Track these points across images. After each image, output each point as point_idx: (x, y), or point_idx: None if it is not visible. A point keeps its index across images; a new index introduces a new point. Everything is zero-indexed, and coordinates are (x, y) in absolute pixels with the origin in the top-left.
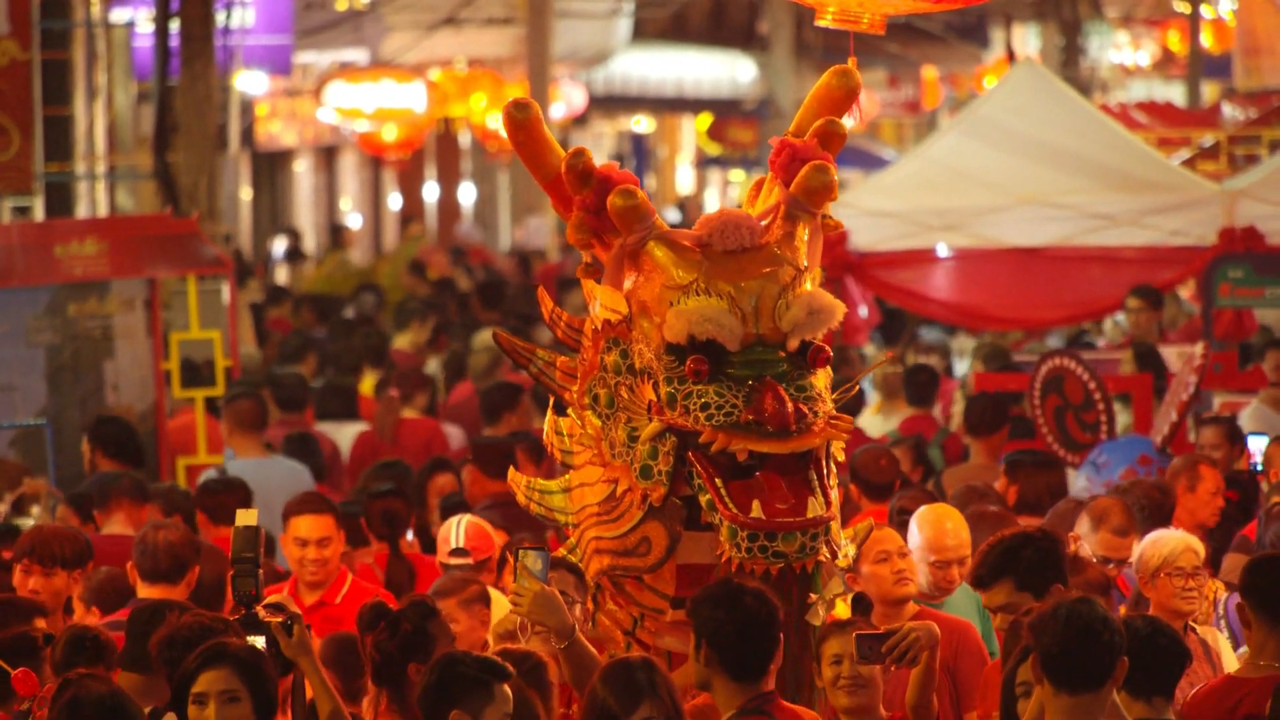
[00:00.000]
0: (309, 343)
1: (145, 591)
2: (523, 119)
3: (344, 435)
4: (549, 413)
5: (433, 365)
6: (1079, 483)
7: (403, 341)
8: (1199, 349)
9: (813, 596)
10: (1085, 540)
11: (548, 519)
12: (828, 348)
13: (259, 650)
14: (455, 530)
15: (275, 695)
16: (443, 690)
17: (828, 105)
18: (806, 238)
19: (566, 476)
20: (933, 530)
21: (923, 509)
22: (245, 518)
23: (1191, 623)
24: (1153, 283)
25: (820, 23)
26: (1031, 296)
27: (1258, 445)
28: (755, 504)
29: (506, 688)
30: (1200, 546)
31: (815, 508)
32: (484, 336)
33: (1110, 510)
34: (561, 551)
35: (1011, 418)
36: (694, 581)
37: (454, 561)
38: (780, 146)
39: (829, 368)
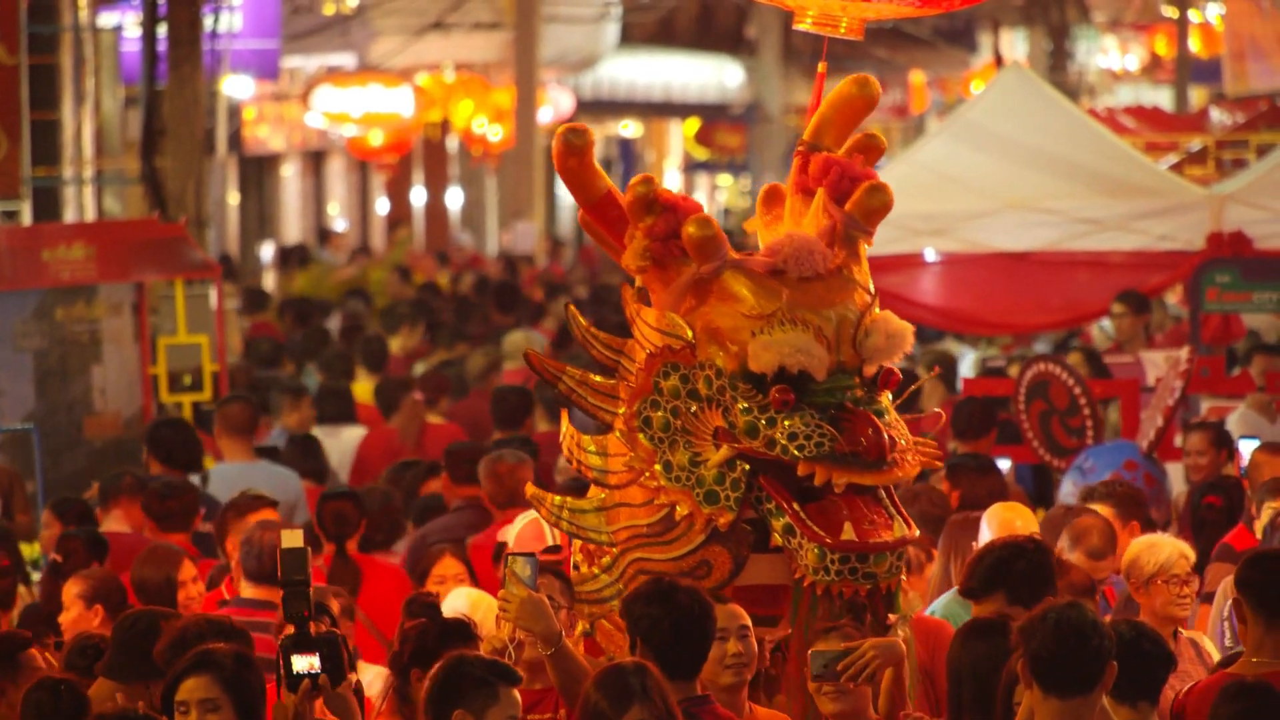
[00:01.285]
0: (281, 348)
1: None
2: (579, 145)
3: (340, 439)
4: (566, 426)
5: (420, 369)
6: (1065, 488)
7: (393, 346)
8: (1184, 353)
9: (892, 617)
10: (1064, 556)
11: (579, 538)
12: (897, 370)
13: (244, 658)
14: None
15: (257, 704)
16: (447, 690)
17: (846, 114)
18: (865, 255)
19: (601, 495)
20: (1002, 526)
21: (994, 506)
22: (291, 539)
23: (1180, 627)
24: (1140, 287)
25: (799, 26)
26: (1019, 301)
27: (1249, 450)
28: (847, 526)
29: (515, 692)
30: (1191, 552)
31: (900, 528)
32: (514, 338)
33: (1089, 531)
34: (595, 571)
35: (999, 422)
36: (751, 602)
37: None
38: (826, 164)
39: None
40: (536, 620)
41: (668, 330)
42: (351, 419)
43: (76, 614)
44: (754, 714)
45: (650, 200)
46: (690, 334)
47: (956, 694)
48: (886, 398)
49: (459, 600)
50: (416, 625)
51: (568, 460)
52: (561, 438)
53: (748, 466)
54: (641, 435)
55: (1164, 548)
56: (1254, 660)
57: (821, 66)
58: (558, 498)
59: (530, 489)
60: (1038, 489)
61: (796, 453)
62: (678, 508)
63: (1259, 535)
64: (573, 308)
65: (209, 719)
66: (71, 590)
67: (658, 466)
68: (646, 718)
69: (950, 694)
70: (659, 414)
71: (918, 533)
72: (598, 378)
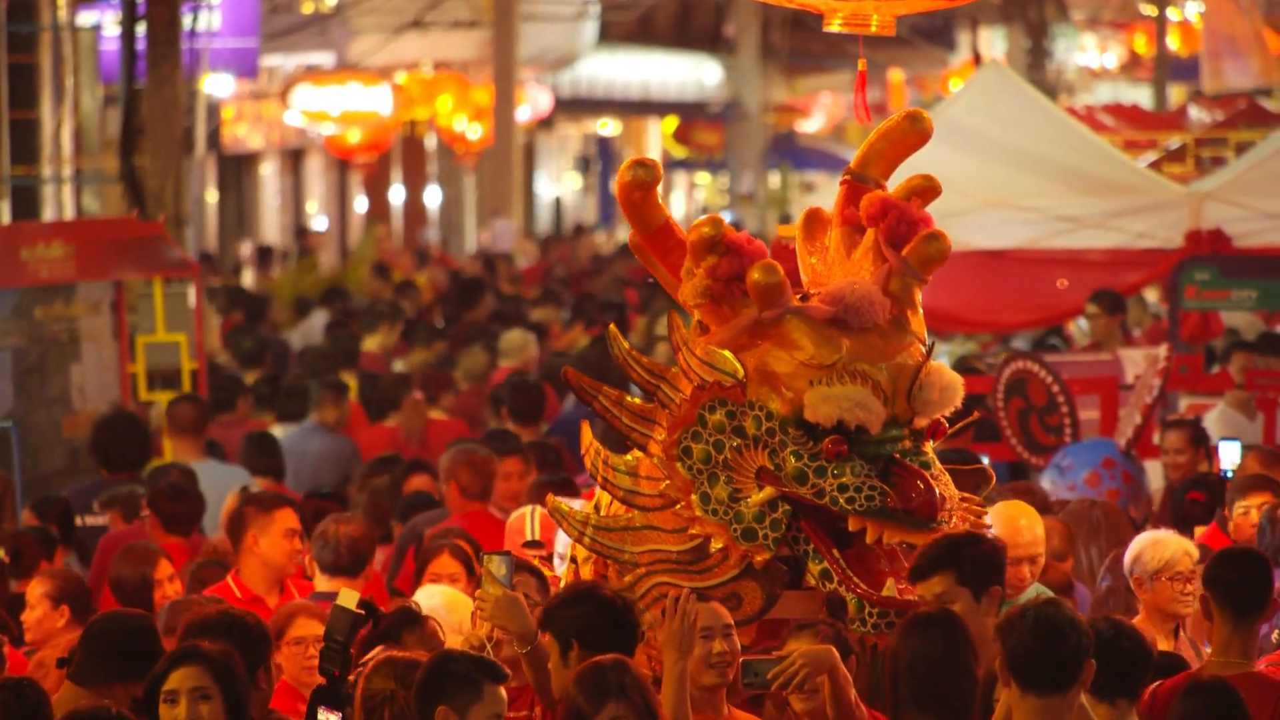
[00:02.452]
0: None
1: (325, 584)
2: (647, 179)
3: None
4: (589, 439)
5: (399, 367)
6: (1043, 486)
7: (371, 344)
8: (1163, 351)
9: None
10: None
11: (602, 555)
12: (945, 423)
13: (230, 654)
14: (530, 522)
15: (244, 697)
16: (431, 686)
17: (898, 148)
18: (919, 302)
19: (629, 515)
20: (1006, 526)
21: (997, 505)
22: (347, 599)
23: (1182, 626)
24: (1119, 285)
25: (829, 28)
26: (997, 299)
27: (1228, 451)
28: (889, 583)
29: (500, 689)
30: (1195, 549)
31: None
32: (511, 337)
33: (1050, 533)
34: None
35: (975, 420)
36: (771, 634)
37: (530, 554)
38: (884, 206)
39: None
40: (512, 619)
41: (719, 366)
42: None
43: (41, 613)
44: (732, 715)
45: (715, 241)
46: (742, 373)
47: (895, 688)
48: (931, 448)
49: (433, 598)
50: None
51: (591, 474)
52: (584, 451)
53: (789, 508)
54: (680, 465)
55: (1168, 545)
56: (1220, 660)
57: (861, 64)
58: (581, 513)
59: (551, 500)
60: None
61: (847, 506)
62: (713, 540)
63: (1231, 535)
64: (614, 328)
65: (200, 707)
66: (37, 590)
67: (695, 497)
68: (623, 714)
69: (890, 688)
70: (700, 446)
71: None
72: (635, 400)
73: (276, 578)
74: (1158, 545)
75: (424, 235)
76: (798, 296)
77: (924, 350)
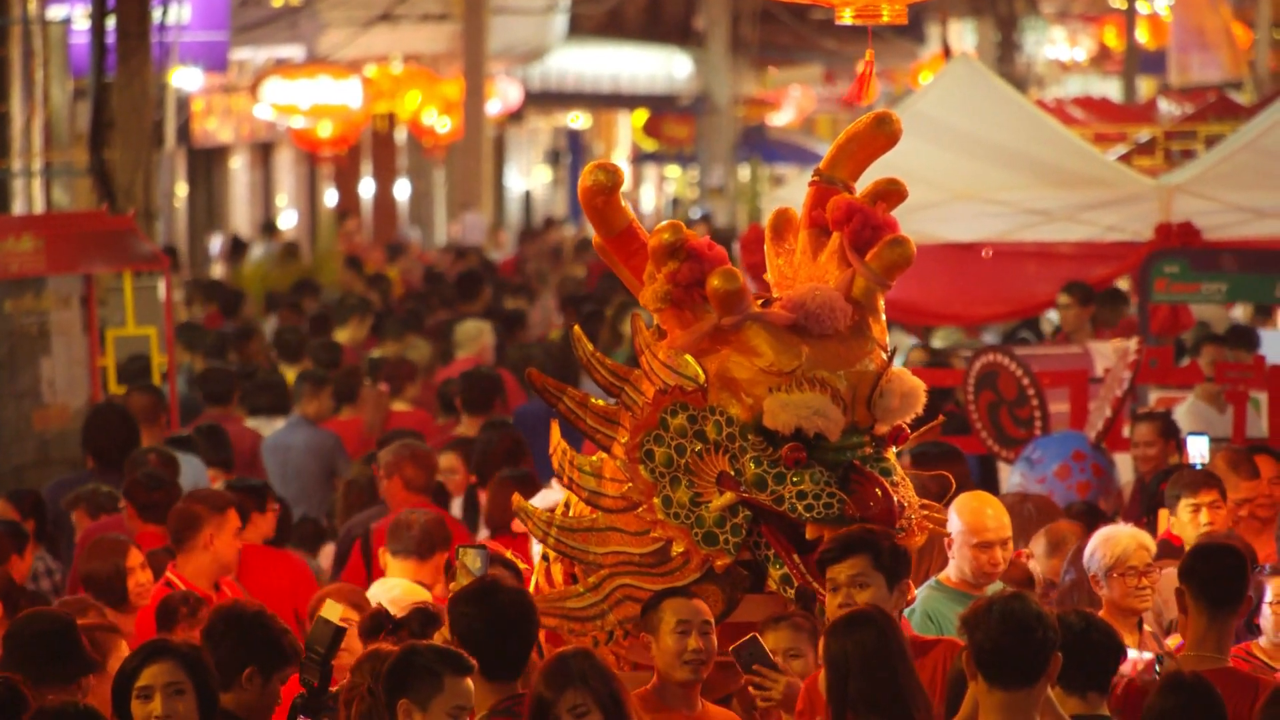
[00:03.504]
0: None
1: (396, 570)
2: (608, 184)
3: (271, 431)
4: (557, 438)
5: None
6: (1013, 479)
7: (342, 337)
8: (1133, 344)
9: None
10: (1037, 561)
11: (566, 555)
12: (907, 429)
13: (199, 649)
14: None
15: (215, 693)
16: (394, 680)
17: (866, 150)
18: (882, 308)
19: (593, 516)
20: (972, 515)
21: (961, 496)
22: (330, 611)
23: (1144, 620)
24: (1088, 278)
25: (841, 21)
26: (968, 292)
27: (1197, 445)
28: None
29: (466, 681)
30: (1151, 543)
31: None
32: (465, 328)
33: (1069, 537)
34: (580, 589)
35: (945, 413)
36: (732, 638)
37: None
38: (848, 210)
39: None
40: None
41: (681, 371)
42: (285, 411)
43: None
44: (706, 710)
45: (676, 247)
46: (704, 378)
47: (841, 688)
48: (893, 454)
49: (391, 590)
50: None
51: (558, 474)
52: (551, 450)
53: (749, 513)
54: (642, 467)
55: (1120, 540)
56: (1194, 654)
57: (869, 54)
58: (544, 513)
59: (517, 500)
60: (983, 479)
61: (805, 513)
62: (674, 544)
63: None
64: (578, 329)
65: (174, 702)
66: None
67: (657, 500)
68: (581, 702)
69: (833, 688)
70: (662, 449)
71: (917, 594)
72: (599, 401)
73: (219, 575)
74: (1110, 541)
75: (403, 232)
76: (760, 301)
77: (885, 357)
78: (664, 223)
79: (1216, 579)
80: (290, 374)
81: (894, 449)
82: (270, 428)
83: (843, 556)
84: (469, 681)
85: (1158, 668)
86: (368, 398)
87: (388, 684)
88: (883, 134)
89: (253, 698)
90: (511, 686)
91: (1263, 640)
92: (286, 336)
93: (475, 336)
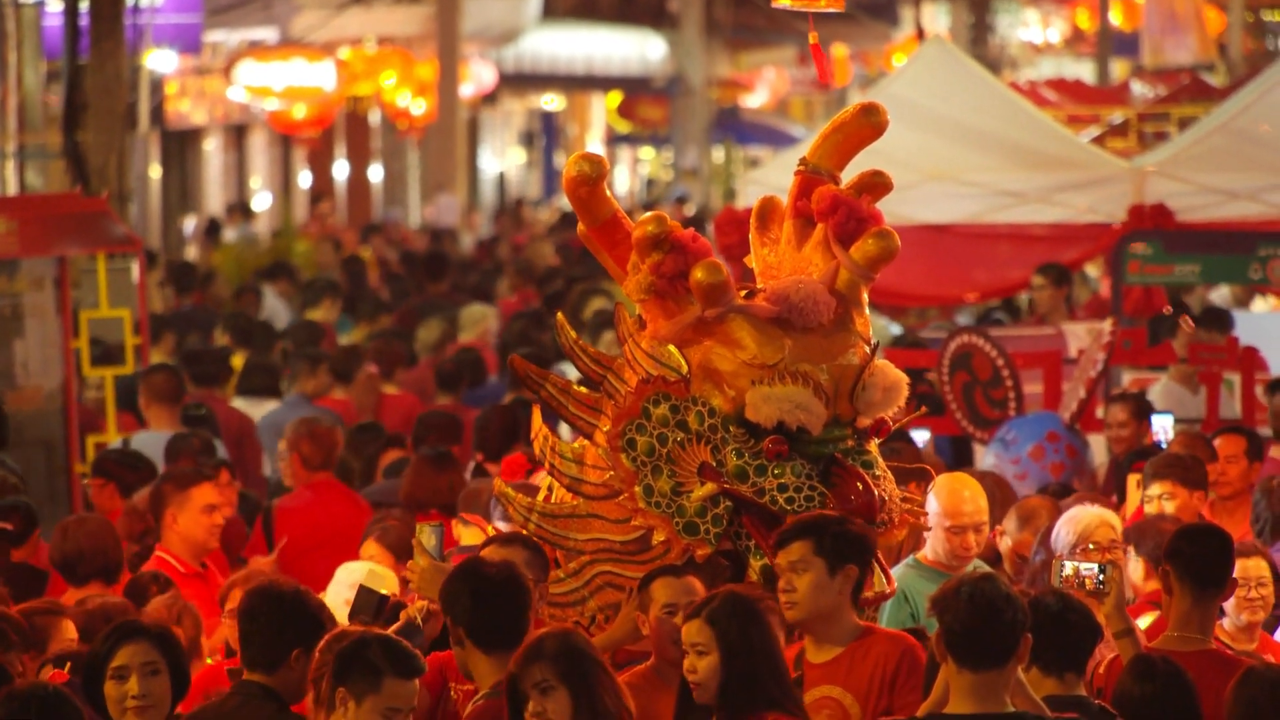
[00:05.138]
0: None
1: (469, 539)
2: (592, 174)
3: (262, 412)
4: (539, 424)
5: (344, 341)
6: (988, 459)
7: (313, 318)
8: (1108, 325)
9: None
10: (1008, 536)
11: (547, 541)
12: (889, 422)
13: (170, 629)
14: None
15: (188, 673)
16: (340, 665)
17: (852, 140)
18: (865, 301)
19: (574, 502)
20: (949, 496)
21: (940, 477)
22: (374, 580)
23: None
24: (1062, 260)
25: (779, 4)
26: (941, 274)
27: (1161, 423)
28: None
29: (409, 684)
30: (1117, 521)
31: (880, 583)
32: (471, 311)
33: (1038, 511)
34: (561, 575)
35: (920, 394)
36: None
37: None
38: (834, 201)
39: None
40: (439, 590)
41: (664, 361)
42: (275, 393)
43: None
44: None
45: (660, 238)
46: (686, 369)
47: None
48: (875, 447)
49: (353, 574)
50: None
51: (539, 459)
52: (533, 435)
53: (730, 504)
54: (624, 456)
55: (1084, 517)
56: (1177, 635)
57: (813, 37)
58: (525, 499)
59: (498, 484)
60: (956, 460)
61: (786, 506)
62: (655, 532)
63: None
64: (561, 317)
65: (149, 682)
66: None
67: (638, 489)
68: (546, 678)
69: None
70: (644, 438)
71: (896, 587)
72: (582, 389)
73: (197, 554)
74: (1073, 520)
75: (390, 213)
76: (743, 293)
77: (868, 350)
78: (648, 214)
79: (1202, 560)
80: (238, 360)
81: (876, 442)
82: (259, 408)
83: (788, 541)
84: (413, 684)
85: (1100, 577)
86: (359, 380)
87: (334, 667)
88: (869, 124)
89: (298, 676)
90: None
91: (1226, 622)
92: (238, 321)
93: (479, 320)
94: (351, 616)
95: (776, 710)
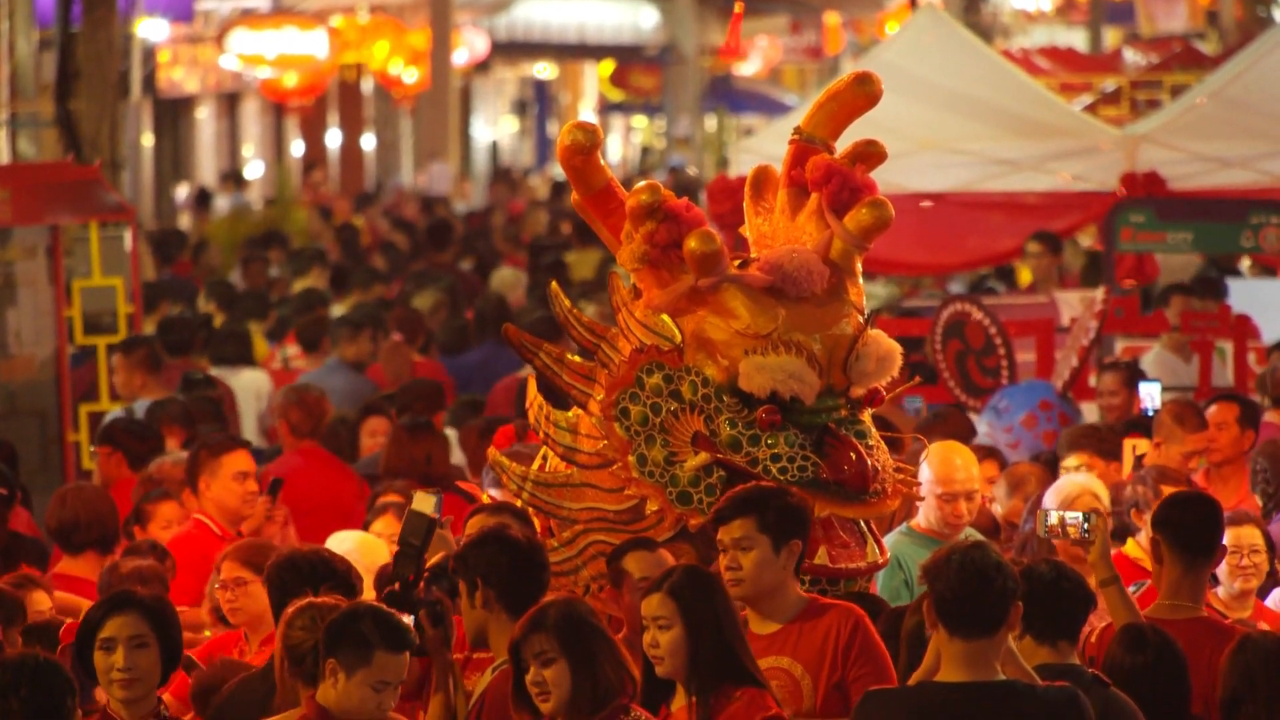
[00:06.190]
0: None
1: None
2: (587, 143)
3: (239, 381)
4: (534, 393)
5: (338, 311)
6: (980, 428)
7: (300, 287)
8: (1100, 294)
9: None
10: (999, 503)
11: (541, 510)
12: (883, 391)
13: (165, 600)
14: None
15: (179, 645)
16: (331, 636)
17: (847, 109)
18: (859, 270)
19: (568, 472)
20: (941, 464)
21: (933, 445)
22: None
23: None
24: (1054, 228)
25: None
26: (934, 242)
27: (1148, 390)
28: (821, 550)
29: (399, 658)
30: (1103, 490)
31: (873, 552)
32: (503, 275)
33: (1027, 478)
34: (555, 544)
35: (912, 364)
36: None
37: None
38: (828, 170)
39: None
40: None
41: (657, 330)
42: (250, 361)
43: None
44: None
45: (653, 208)
46: (680, 338)
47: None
48: (868, 417)
49: (344, 543)
50: None
51: (534, 428)
52: (528, 404)
53: (724, 474)
54: (618, 425)
55: (1067, 487)
56: (1169, 603)
57: (738, 6)
58: (519, 468)
59: (492, 453)
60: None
61: (779, 475)
62: (648, 502)
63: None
64: (555, 285)
65: (137, 655)
66: None
67: (631, 458)
68: (546, 649)
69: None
70: (638, 408)
71: (889, 557)
72: (575, 358)
73: (233, 520)
74: (1058, 490)
75: (396, 179)
76: (737, 262)
77: (861, 320)
78: (642, 183)
79: (1192, 528)
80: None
81: (869, 411)
82: (235, 377)
83: (729, 518)
84: (403, 658)
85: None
86: (386, 347)
87: (325, 637)
88: (864, 94)
89: None
90: None
91: (1220, 590)
92: (220, 289)
93: (513, 285)
94: (402, 539)
95: (749, 684)
